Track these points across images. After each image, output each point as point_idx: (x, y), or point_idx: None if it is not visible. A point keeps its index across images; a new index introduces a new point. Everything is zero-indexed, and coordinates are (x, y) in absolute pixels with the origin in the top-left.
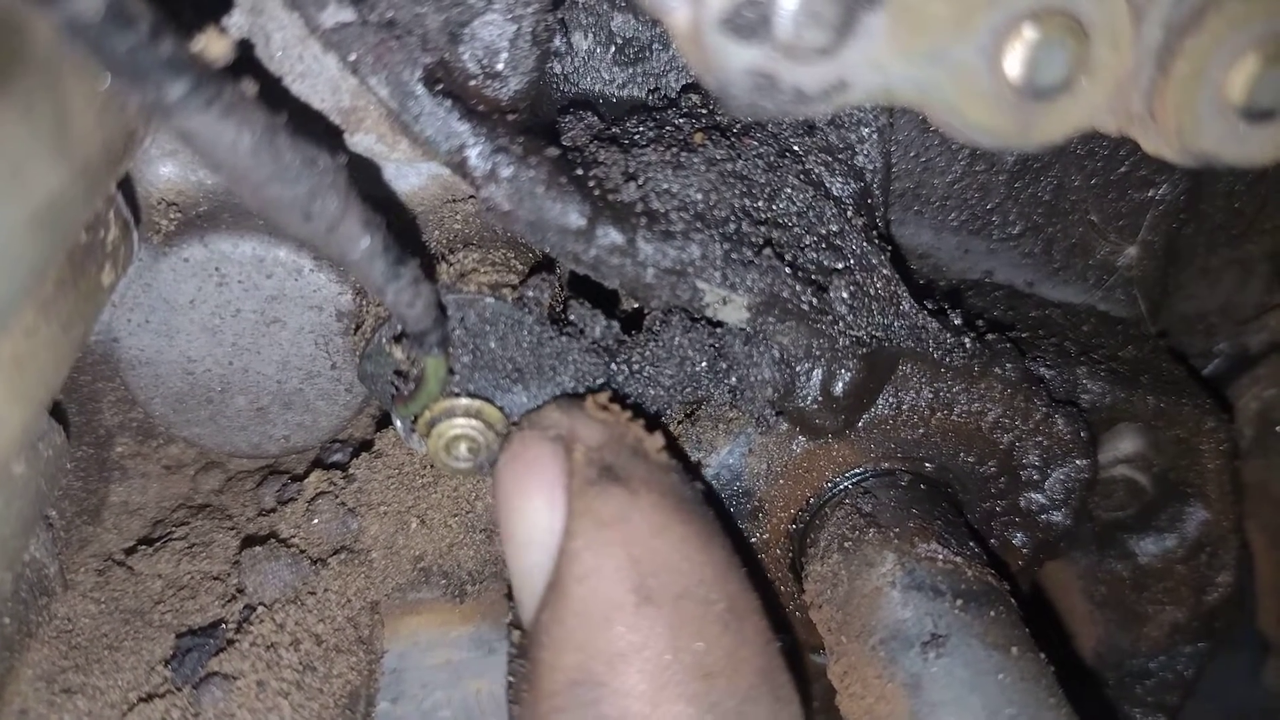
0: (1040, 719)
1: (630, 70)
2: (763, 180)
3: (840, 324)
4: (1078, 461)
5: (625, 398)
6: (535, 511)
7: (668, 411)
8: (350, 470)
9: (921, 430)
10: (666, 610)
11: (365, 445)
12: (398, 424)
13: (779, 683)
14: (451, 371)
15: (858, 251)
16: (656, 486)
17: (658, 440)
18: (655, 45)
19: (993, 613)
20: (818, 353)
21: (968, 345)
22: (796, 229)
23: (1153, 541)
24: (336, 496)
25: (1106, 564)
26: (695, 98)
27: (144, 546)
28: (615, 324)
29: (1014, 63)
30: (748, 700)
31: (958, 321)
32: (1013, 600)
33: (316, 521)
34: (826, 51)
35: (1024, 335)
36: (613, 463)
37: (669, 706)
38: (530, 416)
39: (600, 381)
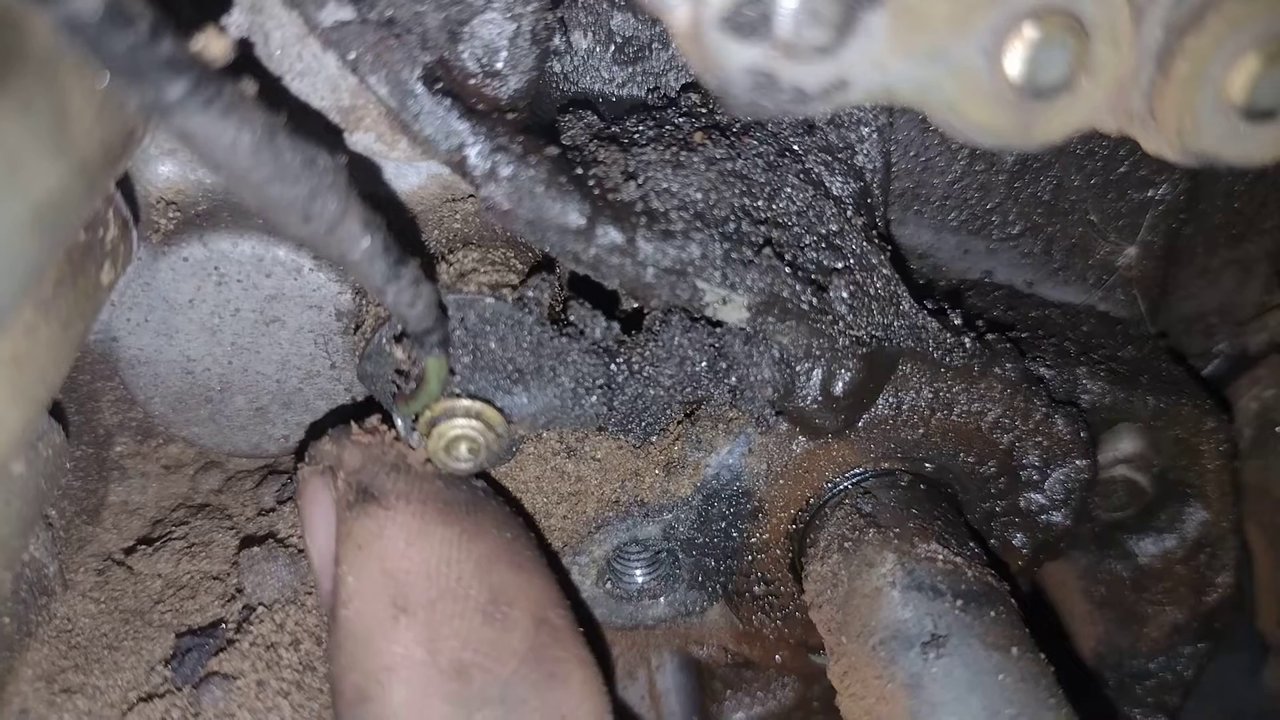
0: (1040, 719)
1: (630, 69)
2: (762, 179)
3: (840, 324)
4: (1077, 462)
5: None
6: (319, 544)
7: (668, 411)
8: None
9: (921, 430)
10: (421, 617)
11: None
12: (399, 423)
13: (554, 659)
14: (452, 372)
15: (857, 251)
16: (416, 496)
17: (420, 453)
18: (655, 44)
19: (993, 613)
20: (818, 352)
21: (968, 345)
22: (796, 228)
23: (1152, 542)
24: None
25: (1106, 564)
26: (695, 97)
27: (143, 546)
28: (615, 324)
29: (1014, 62)
30: (512, 684)
31: (957, 321)
32: (1013, 600)
33: None
34: (827, 50)
35: (1024, 335)
36: (369, 483)
37: (431, 710)
38: (308, 451)
39: (600, 382)
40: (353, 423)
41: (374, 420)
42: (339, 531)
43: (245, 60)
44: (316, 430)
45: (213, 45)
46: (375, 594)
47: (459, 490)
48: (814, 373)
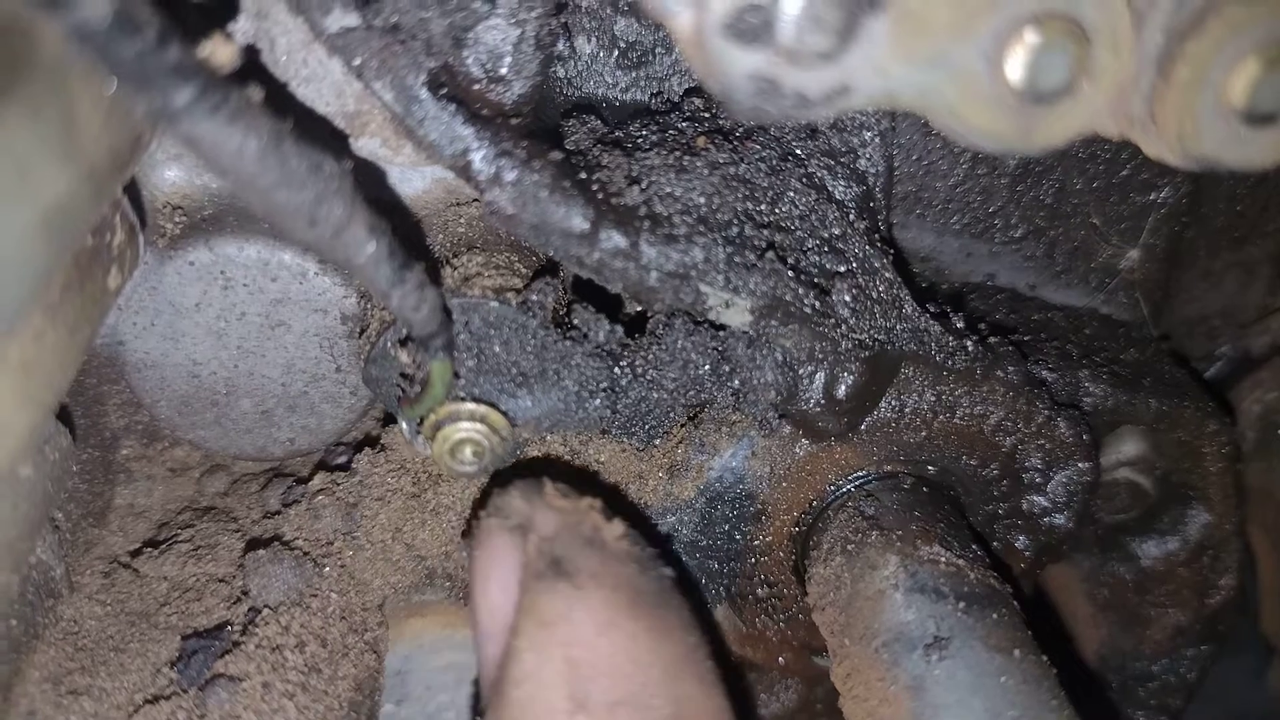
0: None
1: (633, 74)
2: (765, 184)
3: (843, 327)
4: (1080, 464)
5: (592, 476)
6: (492, 604)
7: (671, 414)
8: (353, 465)
9: (924, 433)
10: (599, 718)
11: (369, 442)
12: (403, 426)
13: None
14: (456, 375)
15: (860, 255)
16: (608, 580)
17: (616, 529)
18: (658, 49)
19: (995, 615)
20: (820, 356)
21: (970, 348)
22: (799, 232)
23: (1155, 544)
24: (336, 494)
25: (1109, 567)
26: (698, 101)
27: (149, 549)
28: (619, 328)
29: (1015, 67)
30: None
31: (960, 324)
32: (1015, 603)
33: (320, 523)
34: (829, 56)
35: (1026, 338)
36: (562, 555)
37: None
38: (495, 502)
39: (604, 385)
40: (548, 482)
41: (565, 486)
42: (522, 602)
43: (251, 66)
44: (501, 478)
45: (219, 52)
46: (555, 682)
47: (650, 579)
48: (817, 376)
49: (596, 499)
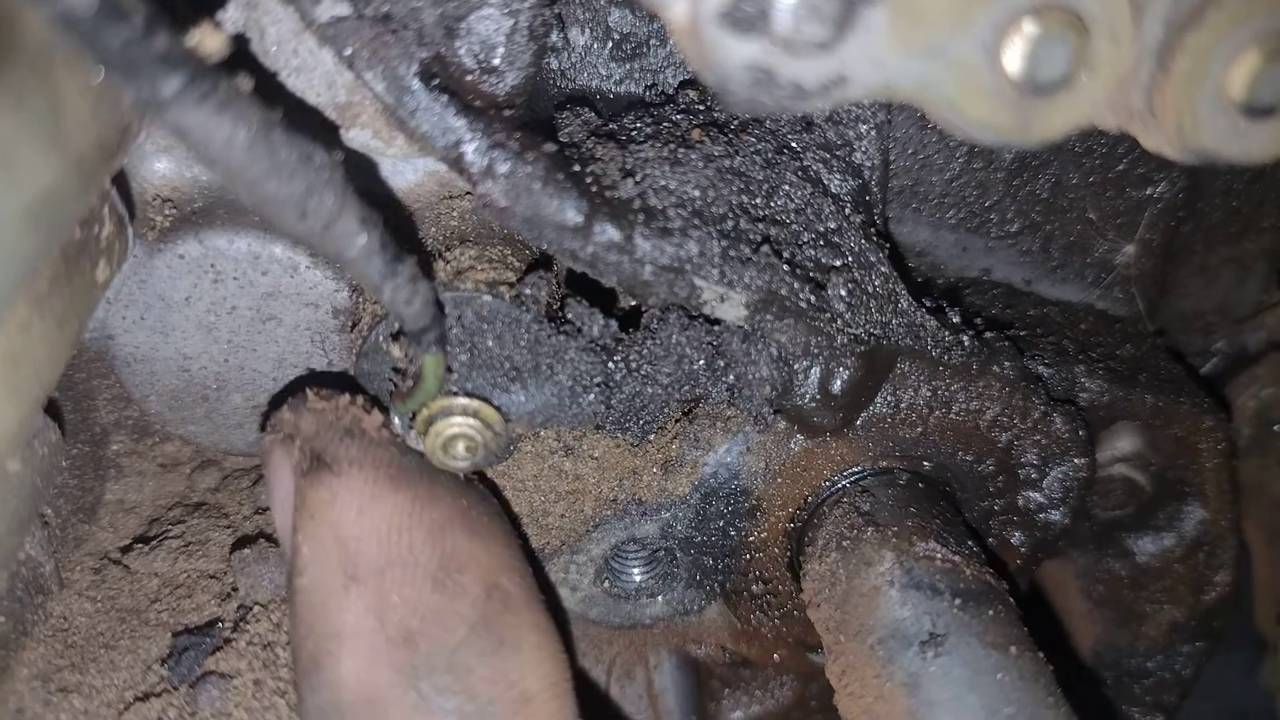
0: (1039, 718)
1: (627, 66)
2: (760, 177)
3: (838, 321)
4: (1076, 460)
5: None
6: (278, 512)
7: (666, 409)
8: None
9: (920, 428)
10: (371, 584)
11: None
12: (396, 421)
13: (505, 624)
14: (449, 369)
15: (856, 249)
16: (368, 463)
17: (375, 418)
18: (653, 41)
19: (991, 612)
20: (816, 350)
21: (966, 343)
22: (794, 226)
23: (1151, 540)
24: None
25: (1104, 563)
26: (693, 94)
27: (140, 545)
28: (613, 322)
29: (1014, 58)
30: (460, 652)
31: (956, 319)
32: (1011, 599)
33: None
34: (825, 46)
35: (1022, 333)
36: (323, 449)
37: (377, 678)
38: (270, 418)
39: (598, 380)
40: (308, 390)
41: (328, 391)
42: (295, 500)
43: (240, 56)
44: (278, 399)
45: (208, 41)
46: (327, 562)
47: (414, 456)
48: (812, 371)
49: (359, 396)
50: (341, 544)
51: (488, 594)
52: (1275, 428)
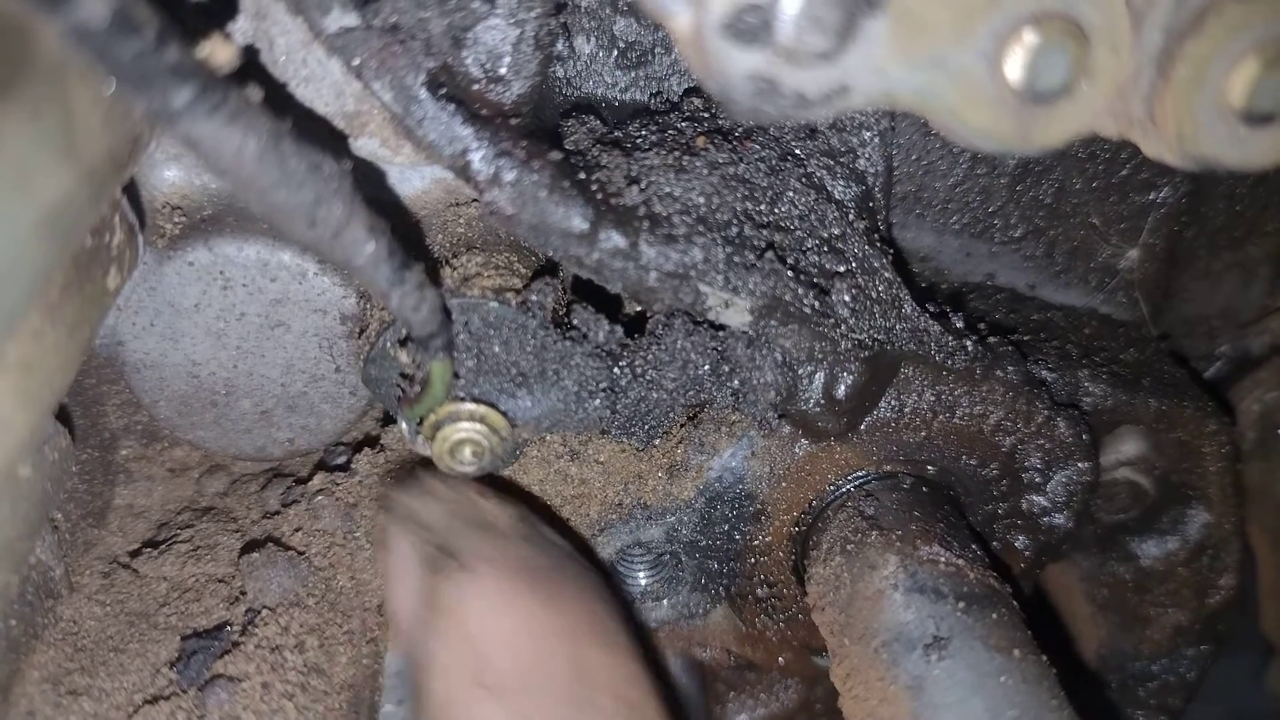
0: None
1: (632, 74)
2: (765, 184)
3: (842, 327)
4: (1079, 464)
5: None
6: (398, 600)
7: (671, 414)
8: (353, 465)
9: (924, 433)
10: (505, 698)
11: (369, 442)
12: (403, 426)
13: None
14: (456, 375)
15: (860, 255)
16: (499, 560)
17: (501, 510)
18: (657, 49)
19: (995, 615)
20: (820, 356)
21: (970, 348)
22: (799, 232)
23: (1155, 544)
24: (336, 494)
25: (1109, 567)
26: (697, 101)
27: (149, 549)
28: (618, 328)
29: (1015, 67)
30: None
31: (959, 324)
32: (1015, 603)
33: (319, 523)
34: (828, 56)
35: (1025, 338)
36: (451, 542)
37: None
38: (388, 500)
39: (604, 385)
40: (425, 475)
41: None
42: (425, 595)
43: (250, 67)
44: (395, 474)
45: (218, 52)
46: (460, 666)
47: (544, 553)
48: (816, 376)
49: (483, 485)
50: (473, 646)
51: (618, 710)
52: (1279, 431)
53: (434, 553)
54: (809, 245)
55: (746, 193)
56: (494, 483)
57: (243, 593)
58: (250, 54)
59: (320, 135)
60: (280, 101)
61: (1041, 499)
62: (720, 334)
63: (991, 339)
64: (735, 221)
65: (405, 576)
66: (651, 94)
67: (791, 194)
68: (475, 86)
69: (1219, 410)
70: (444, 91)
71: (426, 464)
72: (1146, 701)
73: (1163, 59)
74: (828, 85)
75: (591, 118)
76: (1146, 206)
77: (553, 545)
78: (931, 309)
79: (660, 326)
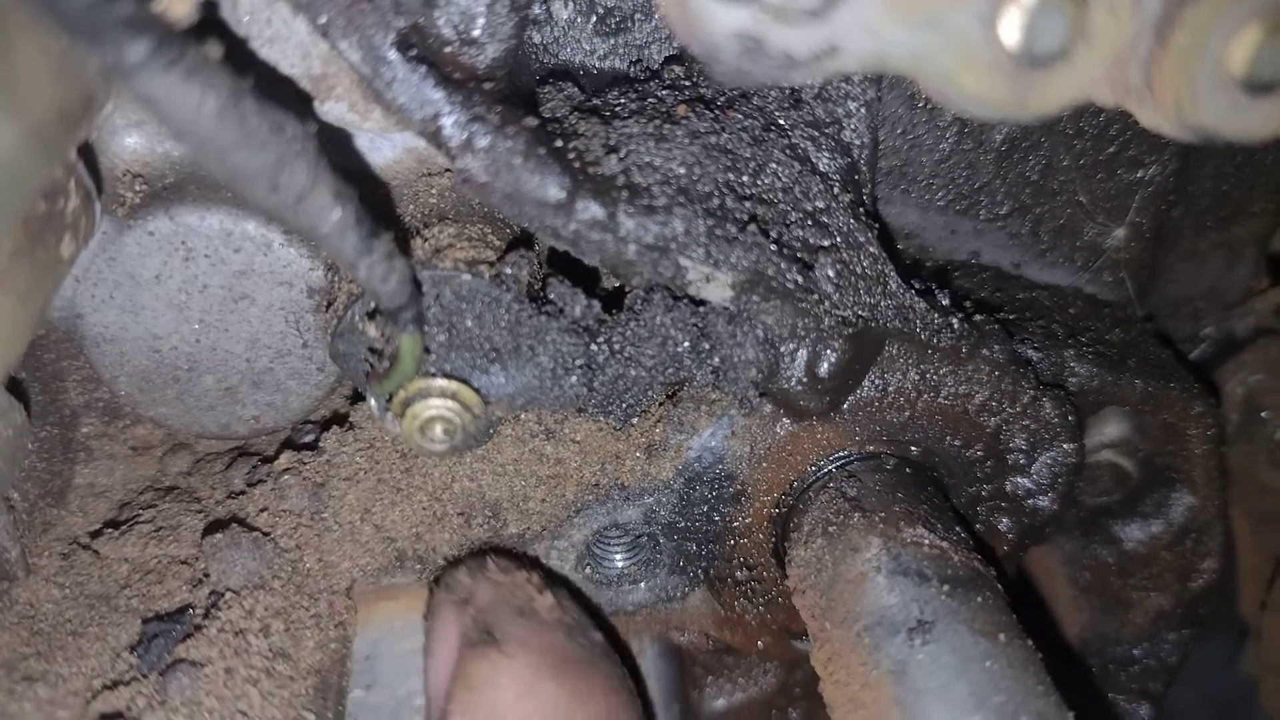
0: (1029, 706)
1: (611, 41)
2: (748, 154)
3: (826, 303)
4: (1065, 446)
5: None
6: (437, 671)
7: (650, 392)
8: (321, 444)
9: (908, 413)
10: None
11: (338, 420)
12: (372, 403)
13: None
14: (427, 350)
15: (844, 229)
16: (535, 646)
17: (548, 599)
18: (637, 15)
19: (980, 598)
20: (803, 332)
21: (955, 326)
22: (782, 205)
23: (1138, 527)
24: (303, 474)
25: (1092, 550)
26: (678, 70)
27: (110, 530)
28: (596, 302)
29: (1011, 29)
30: None
31: (945, 302)
32: (999, 586)
33: (286, 503)
34: (817, 14)
35: (1011, 317)
36: (494, 624)
37: None
38: (445, 579)
39: (580, 362)
40: (490, 558)
41: (509, 562)
42: (457, 667)
43: (211, 23)
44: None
45: (176, 6)
46: None
47: (577, 644)
48: (799, 353)
49: (534, 572)
50: None
51: None
52: (1263, 414)
53: (475, 631)
54: (793, 218)
55: (729, 163)
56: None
57: (206, 575)
58: (210, 9)
59: (285, 97)
60: (242, 61)
61: (1026, 481)
62: (700, 310)
63: (977, 317)
64: (717, 193)
65: (444, 649)
66: (631, 62)
67: (775, 165)
68: (448, 49)
69: (1204, 392)
70: (415, 53)
71: (495, 550)
72: (1128, 685)
73: (1162, 24)
74: (817, 45)
75: (569, 85)
76: (1134, 184)
77: (588, 637)
78: (917, 286)
79: (639, 301)
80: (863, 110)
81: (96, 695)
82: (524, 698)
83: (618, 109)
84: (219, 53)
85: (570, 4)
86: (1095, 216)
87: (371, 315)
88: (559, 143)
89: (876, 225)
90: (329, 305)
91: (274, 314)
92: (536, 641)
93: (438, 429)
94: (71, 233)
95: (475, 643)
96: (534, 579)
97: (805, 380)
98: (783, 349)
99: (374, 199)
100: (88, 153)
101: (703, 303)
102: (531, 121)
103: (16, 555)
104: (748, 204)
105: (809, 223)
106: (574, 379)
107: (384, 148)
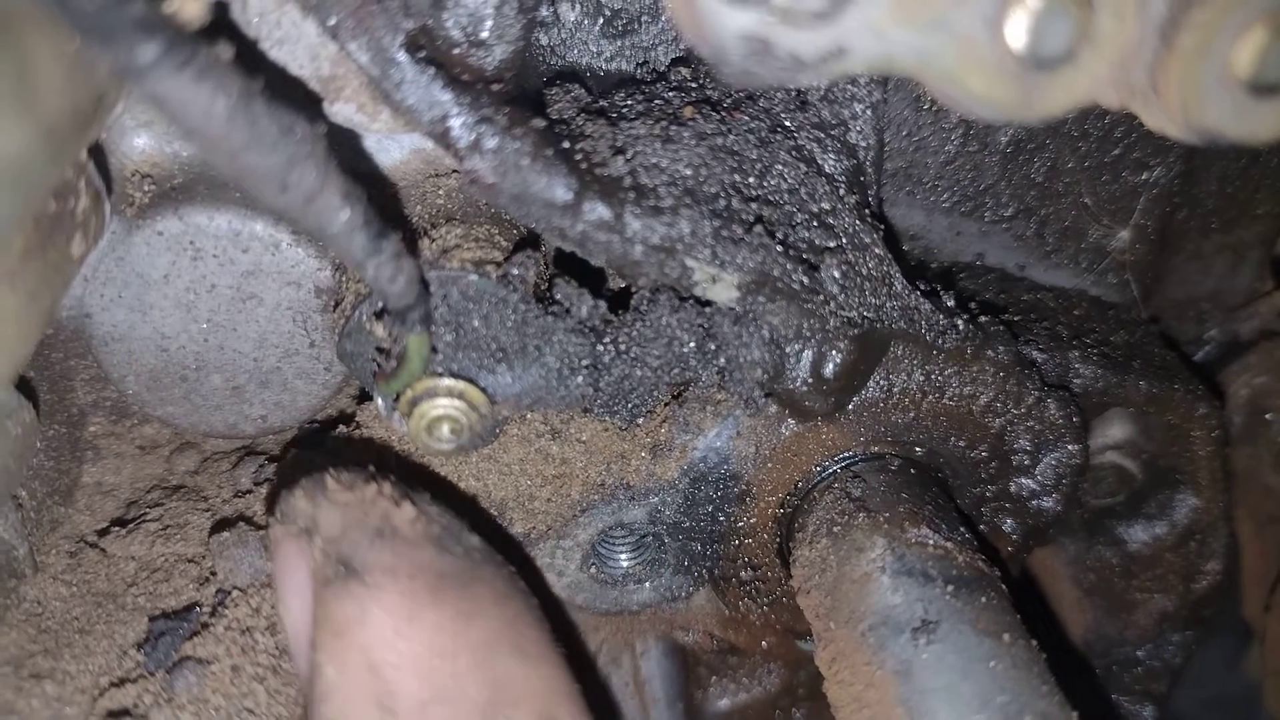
0: (1033, 707)
1: (619, 43)
2: (754, 156)
3: (831, 304)
4: (1069, 447)
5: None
6: (294, 618)
7: (655, 392)
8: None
9: (912, 414)
10: None
11: (344, 420)
12: (379, 402)
13: None
14: (434, 350)
15: (850, 230)
16: (403, 570)
17: (407, 512)
18: (644, 17)
19: (984, 599)
20: (808, 333)
21: (960, 327)
22: (788, 206)
23: (1142, 529)
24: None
25: (1096, 551)
26: (685, 71)
27: (117, 528)
28: (602, 303)
29: (1017, 31)
30: None
31: (950, 303)
32: (1004, 586)
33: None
34: (825, 16)
35: (1016, 318)
36: (350, 553)
37: None
38: (280, 507)
39: (586, 362)
40: (329, 476)
41: (352, 474)
42: (316, 612)
43: (221, 25)
44: (284, 474)
45: (187, 7)
46: (359, 692)
47: (453, 556)
48: (804, 354)
49: (387, 481)
50: (375, 671)
51: None
52: (1267, 416)
53: (329, 566)
54: (798, 220)
55: (735, 164)
56: (402, 473)
57: (213, 573)
58: (221, 11)
59: (294, 98)
60: (252, 63)
61: (1030, 481)
62: (706, 310)
63: (982, 319)
64: (723, 194)
65: (296, 589)
66: (638, 64)
67: (781, 166)
68: (456, 50)
69: (1209, 394)
70: (423, 55)
71: (322, 459)
72: (1131, 687)
73: (1167, 26)
74: (824, 47)
75: (576, 86)
76: (1139, 187)
77: (463, 544)
78: (922, 287)
79: (645, 302)
80: (868, 112)
81: (104, 692)
82: (402, 632)
83: (624, 110)
84: (230, 54)
85: (577, 6)
86: (1100, 218)
87: (379, 315)
88: (566, 144)
89: (882, 227)
90: (336, 305)
91: (282, 313)
92: (404, 564)
93: (445, 428)
94: (81, 232)
95: (331, 579)
96: (386, 488)
97: (810, 381)
98: (788, 350)
99: (382, 200)
100: (98, 153)
101: (708, 303)
102: (539, 123)
103: (24, 553)
104: (754, 205)
105: (815, 224)
106: (580, 379)
107: (392, 149)
